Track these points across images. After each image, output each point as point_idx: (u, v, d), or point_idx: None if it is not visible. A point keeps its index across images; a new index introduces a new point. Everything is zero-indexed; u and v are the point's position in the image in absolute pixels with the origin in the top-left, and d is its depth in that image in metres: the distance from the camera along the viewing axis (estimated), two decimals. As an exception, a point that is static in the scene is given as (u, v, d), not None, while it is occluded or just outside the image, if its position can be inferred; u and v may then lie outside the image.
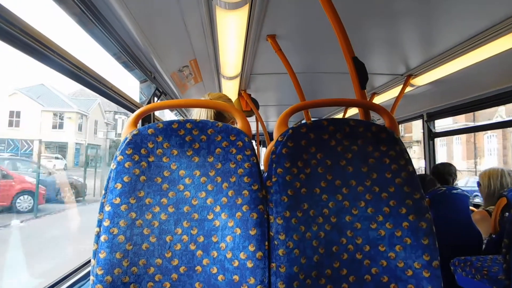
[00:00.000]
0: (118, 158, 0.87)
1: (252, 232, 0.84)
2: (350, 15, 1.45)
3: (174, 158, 0.89)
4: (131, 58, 1.77)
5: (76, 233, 7.79)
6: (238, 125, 0.95)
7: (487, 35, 1.68)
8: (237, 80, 2.58)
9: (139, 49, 1.76)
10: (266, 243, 0.85)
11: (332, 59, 2.23)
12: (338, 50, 1.34)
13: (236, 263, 0.83)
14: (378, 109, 1.01)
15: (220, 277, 0.83)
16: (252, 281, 0.81)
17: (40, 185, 8.65)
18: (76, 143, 21.84)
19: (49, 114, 21.47)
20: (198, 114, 1.37)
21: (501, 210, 1.91)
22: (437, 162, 3.07)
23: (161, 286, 0.82)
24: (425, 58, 2.16)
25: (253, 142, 3.50)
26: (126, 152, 0.87)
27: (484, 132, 16.19)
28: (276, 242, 0.85)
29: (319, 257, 0.87)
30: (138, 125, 0.95)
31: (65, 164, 19.31)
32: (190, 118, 1.07)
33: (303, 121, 0.98)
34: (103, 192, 0.87)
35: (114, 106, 25.62)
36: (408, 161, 0.93)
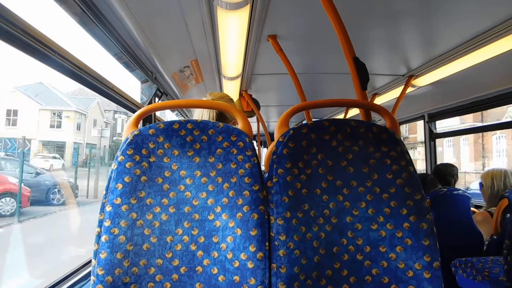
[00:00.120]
0: (119, 158, 0.87)
1: (253, 233, 0.84)
2: (351, 15, 1.45)
3: (175, 158, 0.89)
4: (132, 59, 1.77)
5: (62, 239, 7.04)
6: (239, 125, 0.95)
7: (489, 36, 1.68)
8: (238, 81, 2.58)
9: (140, 49, 1.76)
10: (267, 244, 0.85)
11: (333, 59, 2.23)
12: (339, 50, 1.34)
13: (236, 264, 0.83)
14: (379, 109, 1.01)
15: (220, 278, 0.83)
16: (252, 281, 0.81)
17: (25, 187, 7.99)
18: (75, 143, 21.62)
19: (47, 112, 21.26)
20: (200, 114, 1.35)
21: (502, 211, 1.91)
22: (438, 163, 3.06)
23: (161, 287, 0.82)
24: (427, 59, 2.16)
25: (254, 142, 3.50)
26: (127, 152, 0.88)
27: (492, 132, 15.76)
28: (276, 243, 0.85)
29: (320, 258, 0.87)
30: (139, 125, 0.95)
31: (63, 163, 19.06)
32: (191, 118, 1.07)
33: (304, 122, 0.98)
34: (104, 192, 0.87)
35: (113, 105, 25.41)
36: (409, 161, 0.93)
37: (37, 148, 20.07)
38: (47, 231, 7.44)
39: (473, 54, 1.86)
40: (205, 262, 0.85)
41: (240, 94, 3.06)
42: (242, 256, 0.83)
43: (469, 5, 1.47)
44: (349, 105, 2.24)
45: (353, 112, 3.91)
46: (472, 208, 2.31)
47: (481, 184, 2.32)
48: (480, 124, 12.12)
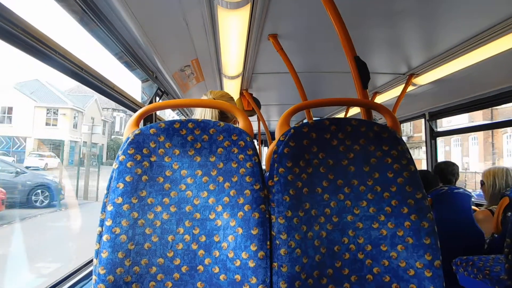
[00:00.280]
0: (120, 158, 0.87)
1: (254, 232, 0.84)
2: (351, 14, 1.44)
3: (176, 157, 0.89)
4: (133, 58, 1.77)
5: (38, 249, 6.00)
6: (240, 124, 0.95)
7: (489, 34, 1.67)
8: (239, 80, 2.58)
9: (141, 48, 1.76)
10: (268, 243, 0.85)
11: (334, 58, 2.23)
12: (339, 49, 1.34)
13: (238, 263, 0.83)
14: (380, 108, 1.01)
15: (222, 277, 0.84)
16: (254, 280, 0.82)
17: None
18: (71, 141, 21.09)
19: (42, 110, 20.70)
20: (203, 113, 1.35)
21: (503, 209, 1.91)
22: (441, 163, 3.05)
23: (163, 286, 0.83)
24: (427, 57, 2.15)
25: (255, 141, 3.50)
26: (128, 151, 0.88)
27: (503, 131, 15.31)
28: (277, 242, 0.85)
29: (321, 257, 0.87)
30: (140, 124, 0.95)
31: (59, 162, 18.39)
32: (192, 117, 1.07)
33: (305, 121, 0.98)
34: (105, 191, 0.87)
35: (112, 103, 25.09)
36: (410, 160, 0.93)
37: (32, 146, 19.68)
38: (19, 239, 6.42)
39: (474, 52, 1.86)
40: (206, 261, 0.85)
41: (241, 93, 3.05)
42: (243, 255, 0.83)
43: (469, 4, 1.47)
44: (350, 104, 2.24)
45: (354, 111, 3.91)
46: (473, 207, 2.31)
47: (482, 182, 2.32)
48: (485, 123, 11.90)
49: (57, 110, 21.13)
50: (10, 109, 20.05)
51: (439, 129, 3.34)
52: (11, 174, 8.63)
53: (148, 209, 0.86)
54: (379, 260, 0.88)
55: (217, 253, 0.85)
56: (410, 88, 2.59)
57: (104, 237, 0.83)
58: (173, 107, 1.21)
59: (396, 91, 2.76)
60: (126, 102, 1.83)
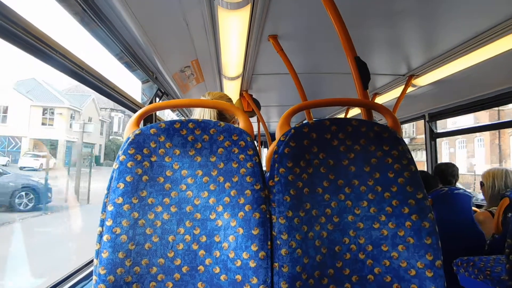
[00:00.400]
0: (121, 158, 0.87)
1: (255, 232, 0.84)
2: (352, 15, 1.45)
3: (176, 157, 0.89)
4: (133, 59, 1.77)
5: (15, 257, 5.50)
6: (241, 125, 0.95)
7: (490, 35, 1.68)
8: (239, 81, 2.58)
9: (141, 49, 1.76)
10: (269, 243, 0.85)
11: (334, 59, 2.23)
12: (340, 50, 1.34)
13: (238, 263, 0.83)
14: (381, 109, 1.01)
15: (222, 277, 0.83)
16: (254, 280, 0.81)
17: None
18: (68, 141, 20.40)
19: (38, 109, 20.20)
20: (202, 114, 1.36)
21: (504, 210, 1.91)
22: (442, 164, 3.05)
23: (163, 286, 0.82)
24: (427, 58, 2.16)
25: (254, 142, 3.50)
26: (129, 152, 0.88)
27: (510, 132, 14.96)
28: (278, 242, 0.85)
29: (322, 257, 0.87)
30: (140, 125, 0.95)
31: (55, 163, 18.04)
32: (192, 118, 1.07)
33: (305, 121, 0.98)
34: (106, 191, 0.87)
35: (110, 103, 24.72)
36: (411, 160, 0.93)
37: (28, 146, 19.30)
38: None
39: (474, 53, 1.86)
40: (207, 261, 0.85)
41: (241, 94, 3.05)
42: (244, 255, 0.83)
43: (469, 5, 1.47)
44: (350, 104, 2.24)
45: (354, 111, 3.91)
46: (473, 208, 2.31)
47: (482, 184, 2.32)
48: (486, 124, 11.75)
49: (54, 110, 20.64)
50: (5, 108, 19.61)
51: (443, 130, 3.34)
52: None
53: (148, 209, 0.86)
54: (380, 260, 0.88)
55: (217, 253, 0.85)
56: (410, 89, 2.59)
57: (105, 237, 0.82)
58: (173, 107, 1.21)
59: (396, 92, 2.76)
60: (126, 102, 1.83)
